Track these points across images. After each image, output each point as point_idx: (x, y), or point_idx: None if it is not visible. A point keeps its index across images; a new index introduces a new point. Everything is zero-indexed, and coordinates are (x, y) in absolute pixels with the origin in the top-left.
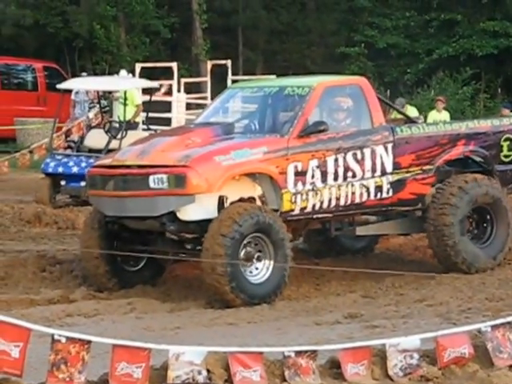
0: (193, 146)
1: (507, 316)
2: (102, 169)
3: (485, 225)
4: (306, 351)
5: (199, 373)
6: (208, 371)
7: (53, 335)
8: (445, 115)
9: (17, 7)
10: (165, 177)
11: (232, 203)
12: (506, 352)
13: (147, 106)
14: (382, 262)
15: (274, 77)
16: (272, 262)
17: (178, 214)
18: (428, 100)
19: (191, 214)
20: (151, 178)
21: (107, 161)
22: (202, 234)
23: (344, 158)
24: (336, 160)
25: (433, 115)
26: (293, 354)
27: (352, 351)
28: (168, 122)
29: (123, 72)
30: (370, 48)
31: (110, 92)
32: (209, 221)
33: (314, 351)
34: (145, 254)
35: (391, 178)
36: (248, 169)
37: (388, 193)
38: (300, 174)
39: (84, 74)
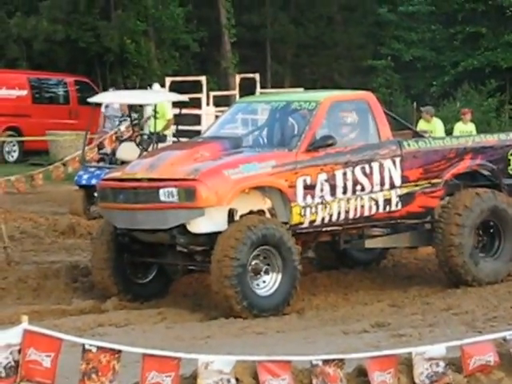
0: (202, 160)
1: None
2: (112, 182)
3: (493, 237)
4: (334, 360)
5: (228, 381)
6: (237, 380)
7: (84, 345)
8: (471, 127)
9: (48, 23)
10: (175, 190)
11: (242, 216)
12: None
13: (177, 119)
14: (410, 271)
15: (301, 90)
16: (280, 275)
17: (188, 227)
18: (454, 112)
19: (201, 227)
20: (161, 191)
21: (117, 174)
22: (212, 246)
23: (352, 172)
24: (344, 174)
25: (459, 127)
26: (320, 363)
27: (379, 359)
28: (198, 134)
29: (156, 86)
30: (396, 61)
31: (140, 106)
32: (218, 233)
33: (342, 360)
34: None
35: (400, 192)
36: (257, 182)
37: (397, 206)
38: (309, 188)
39: (111, 88)
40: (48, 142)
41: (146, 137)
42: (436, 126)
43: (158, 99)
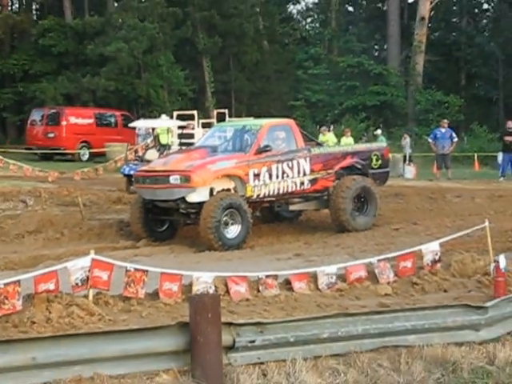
0: (194, 159)
1: (386, 254)
2: (143, 172)
3: (363, 203)
4: (271, 275)
5: (210, 288)
6: (215, 287)
7: (126, 267)
8: (350, 140)
9: (105, 80)
10: (178, 177)
11: (217, 192)
12: (385, 274)
13: (181, 136)
14: (315, 223)
15: (252, 118)
16: (240, 226)
17: (187, 198)
18: (340, 131)
19: (194, 198)
20: (171, 177)
21: (145, 168)
22: (200, 209)
23: (281, 166)
24: (277, 167)
25: (343, 140)
26: (264, 276)
27: (298, 275)
28: (192, 145)
29: (163, 116)
30: (307, 101)
31: (153, 129)
32: (204, 202)
33: (276, 275)
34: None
35: (309, 177)
36: (226, 172)
37: (307, 185)
38: (256, 175)
39: (141, 118)
40: (105, 149)
41: (159, 147)
42: (329, 138)
43: (168, 124)
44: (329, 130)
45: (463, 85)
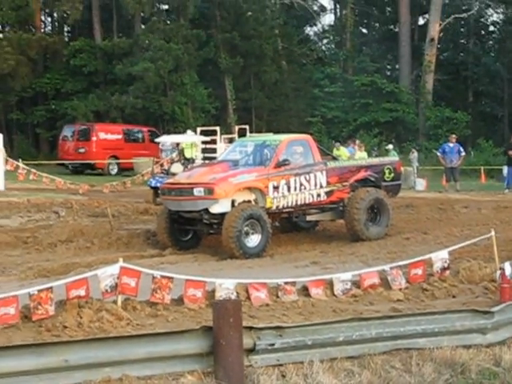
0: (217, 172)
1: (398, 261)
2: (168, 185)
3: (376, 214)
4: (290, 282)
5: (232, 294)
6: (237, 293)
7: (153, 274)
8: (364, 154)
9: (133, 98)
10: (202, 189)
11: (239, 203)
12: (397, 281)
13: (204, 151)
14: (331, 233)
15: (271, 134)
16: (260, 235)
17: (210, 209)
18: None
19: (217, 209)
20: (195, 189)
21: (171, 180)
22: (222, 219)
23: (299, 179)
24: (295, 180)
25: (358, 154)
26: (283, 283)
27: (315, 282)
28: (214, 159)
29: (189, 131)
30: (323, 118)
31: (177, 144)
32: (226, 213)
33: (294, 282)
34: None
35: (325, 189)
36: (247, 185)
37: (324, 197)
38: (275, 187)
39: (165, 134)
40: (133, 163)
41: (183, 161)
42: (342, 152)
43: (192, 139)
44: (355, 144)
45: (470, 102)
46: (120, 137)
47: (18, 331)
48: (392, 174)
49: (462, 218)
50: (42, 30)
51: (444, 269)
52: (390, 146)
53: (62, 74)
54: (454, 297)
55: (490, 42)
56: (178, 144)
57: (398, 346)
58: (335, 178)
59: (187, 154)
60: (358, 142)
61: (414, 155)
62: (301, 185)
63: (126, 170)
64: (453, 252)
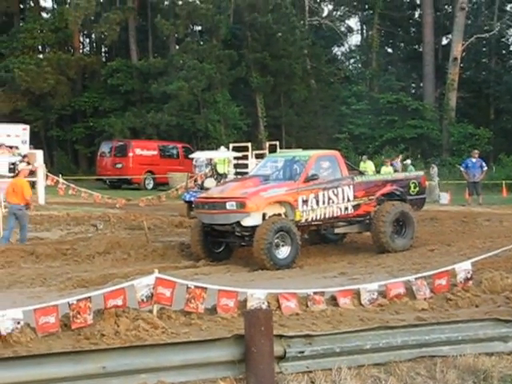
0: (248, 187)
1: (423, 272)
2: (202, 199)
3: (401, 226)
4: (319, 292)
5: (263, 303)
6: (268, 303)
7: (187, 285)
8: (390, 169)
9: (168, 116)
10: (235, 203)
11: (269, 216)
12: (422, 291)
13: (236, 166)
14: (358, 244)
15: (301, 150)
16: (289, 247)
17: (241, 222)
18: (381, 161)
19: (248, 222)
20: (227, 203)
21: (204, 195)
22: (254, 232)
23: (327, 193)
24: (323, 194)
25: (383, 169)
26: (312, 293)
27: (343, 292)
28: (246, 174)
29: (222, 148)
30: (350, 134)
31: (210, 159)
32: (257, 226)
33: (323, 292)
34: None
35: (352, 203)
36: (277, 199)
37: (351, 210)
38: (305, 201)
39: (198, 151)
40: (168, 178)
41: (216, 176)
42: (368, 165)
43: (225, 155)
44: (365, 160)
45: (492, 119)
46: (155, 153)
47: (57, 339)
48: (417, 188)
49: (484, 231)
50: (81, 51)
51: (467, 279)
52: (408, 161)
53: (99, 92)
54: (476, 306)
55: (511, 61)
56: (211, 160)
57: (422, 354)
58: (362, 192)
59: (220, 170)
60: (383, 157)
61: (435, 170)
62: (329, 199)
63: (161, 185)
64: (475, 263)
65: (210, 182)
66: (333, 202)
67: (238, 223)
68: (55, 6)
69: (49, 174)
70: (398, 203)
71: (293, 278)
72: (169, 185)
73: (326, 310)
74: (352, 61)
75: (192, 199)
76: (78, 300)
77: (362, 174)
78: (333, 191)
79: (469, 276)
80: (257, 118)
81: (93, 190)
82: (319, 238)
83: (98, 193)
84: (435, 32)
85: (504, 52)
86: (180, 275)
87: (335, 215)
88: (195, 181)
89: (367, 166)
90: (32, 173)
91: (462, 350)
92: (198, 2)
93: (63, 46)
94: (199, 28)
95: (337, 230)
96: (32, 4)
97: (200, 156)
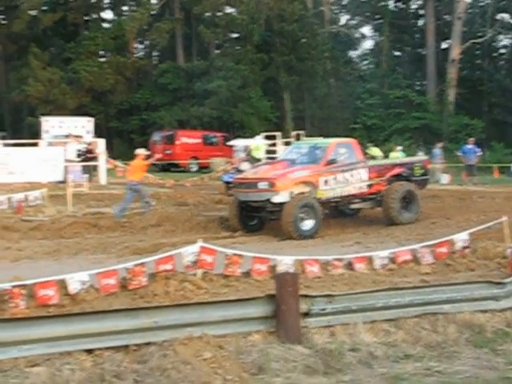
0: (277, 169)
1: (426, 242)
2: (238, 180)
3: (408, 203)
4: (338, 258)
5: (290, 268)
6: (294, 267)
7: (226, 252)
8: (398, 154)
9: (209, 109)
10: (266, 183)
11: (295, 194)
12: (425, 257)
13: (267, 152)
14: (371, 218)
15: (322, 138)
16: (313, 221)
17: (272, 199)
18: (390, 147)
19: (277, 199)
20: (259, 183)
21: (240, 176)
22: (282, 208)
23: (345, 174)
24: (341, 175)
25: (392, 154)
26: (332, 259)
27: (358, 258)
28: (275, 159)
29: (258, 136)
30: (364, 125)
31: (246, 146)
32: (285, 202)
33: (341, 258)
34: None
35: (366, 183)
36: (302, 179)
37: (365, 189)
38: (325, 181)
39: (237, 139)
40: (209, 162)
41: (249, 160)
42: (374, 151)
43: (259, 142)
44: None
45: (485, 111)
46: (199, 141)
47: (117, 298)
48: (421, 170)
49: (478, 206)
50: (136, 55)
51: (464, 248)
52: (399, 148)
53: (151, 90)
54: (472, 270)
55: (502, 62)
56: (246, 146)
57: (426, 311)
58: (374, 174)
59: (255, 155)
60: (392, 144)
61: (420, 154)
62: (346, 179)
63: (203, 168)
64: (471, 234)
65: (245, 165)
66: (349, 182)
67: (269, 200)
68: (114, 18)
69: (109, 158)
70: (405, 183)
71: (315, 247)
72: (210, 168)
73: (344, 274)
74: (365, 62)
75: (230, 180)
76: (134, 265)
77: (374, 158)
78: (349, 173)
79: (466, 245)
80: (284, 112)
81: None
82: (338, 213)
83: (151, 175)
84: (436, 38)
85: (495, 54)
86: (220, 244)
87: (351, 193)
88: (232, 164)
89: (373, 152)
90: (95, 158)
91: (460, 307)
92: (234, 13)
93: (121, 51)
94: (236, 35)
95: (353, 206)
96: (95, 16)
97: (238, 143)
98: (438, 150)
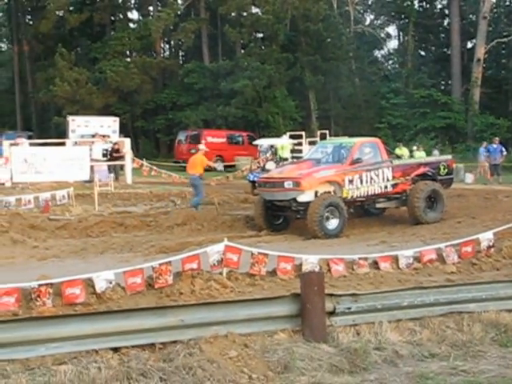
0: (303, 169)
1: (451, 241)
2: (264, 179)
3: (433, 202)
4: (363, 257)
5: (316, 267)
6: (320, 266)
7: (252, 251)
8: (423, 154)
9: (235, 109)
10: (291, 182)
11: (321, 194)
12: (451, 256)
13: (292, 151)
14: (396, 217)
15: (347, 137)
16: (338, 220)
17: (297, 198)
18: (413, 146)
19: (303, 198)
20: (285, 182)
21: (266, 175)
22: (307, 207)
23: (370, 174)
24: (366, 175)
25: (417, 153)
26: (357, 258)
27: (383, 257)
28: (301, 158)
29: (285, 136)
30: (389, 124)
31: (272, 145)
32: (310, 201)
33: (366, 257)
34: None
35: (391, 182)
36: (327, 179)
37: (390, 189)
38: (350, 181)
39: (262, 138)
40: (235, 161)
41: (274, 160)
42: (403, 151)
43: (284, 142)
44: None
45: (510, 110)
46: (224, 140)
47: (143, 297)
48: (446, 170)
49: (503, 206)
50: (162, 55)
51: (489, 247)
52: (415, 147)
53: (177, 89)
54: (497, 270)
55: None
56: (272, 146)
57: (452, 310)
58: (399, 173)
59: (282, 154)
60: (417, 144)
61: (435, 152)
62: (371, 179)
63: (229, 167)
64: (497, 233)
65: (270, 165)
66: (374, 182)
67: (294, 199)
68: (140, 18)
69: (135, 158)
70: (430, 182)
71: (340, 246)
72: (235, 167)
73: (369, 273)
74: (390, 62)
75: (255, 179)
76: (160, 264)
77: (399, 158)
78: (374, 172)
79: (491, 244)
80: (309, 111)
81: (171, 171)
82: (363, 212)
83: (176, 174)
84: (461, 37)
85: None
86: (245, 243)
87: (376, 193)
88: (258, 163)
89: (403, 151)
90: (121, 157)
91: (486, 307)
92: (260, 13)
93: (147, 51)
94: (261, 35)
95: (378, 205)
96: (121, 16)
97: (263, 143)
98: (483, 149)
